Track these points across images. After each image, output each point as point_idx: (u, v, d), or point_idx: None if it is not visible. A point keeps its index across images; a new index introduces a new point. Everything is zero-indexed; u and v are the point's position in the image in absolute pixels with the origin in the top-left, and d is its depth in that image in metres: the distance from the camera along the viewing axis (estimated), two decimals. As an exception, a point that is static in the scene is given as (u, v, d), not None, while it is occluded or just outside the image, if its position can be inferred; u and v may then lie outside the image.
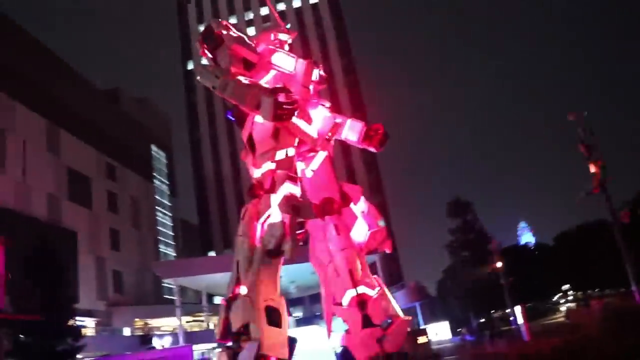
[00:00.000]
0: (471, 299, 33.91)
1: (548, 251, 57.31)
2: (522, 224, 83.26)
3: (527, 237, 79.04)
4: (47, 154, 53.81)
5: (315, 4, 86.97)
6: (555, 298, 57.38)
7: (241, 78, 18.37)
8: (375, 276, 18.00)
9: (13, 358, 22.29)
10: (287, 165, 17.94)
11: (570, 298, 58.39)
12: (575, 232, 53.70)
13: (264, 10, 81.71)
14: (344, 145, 19.73)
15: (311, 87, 19.50)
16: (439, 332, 42.36)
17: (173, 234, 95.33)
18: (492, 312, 36.54)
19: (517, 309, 35.18)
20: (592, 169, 23.56)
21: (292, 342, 16.42)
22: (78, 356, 26.74)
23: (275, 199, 16.49)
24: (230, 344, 15.93)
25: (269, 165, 17.85)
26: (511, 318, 34.96)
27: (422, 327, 39.04)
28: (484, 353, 18.54)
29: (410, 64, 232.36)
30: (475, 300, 33.41)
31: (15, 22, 53.24)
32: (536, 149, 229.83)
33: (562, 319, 41.20)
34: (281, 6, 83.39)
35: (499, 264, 33.30)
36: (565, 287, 57.15)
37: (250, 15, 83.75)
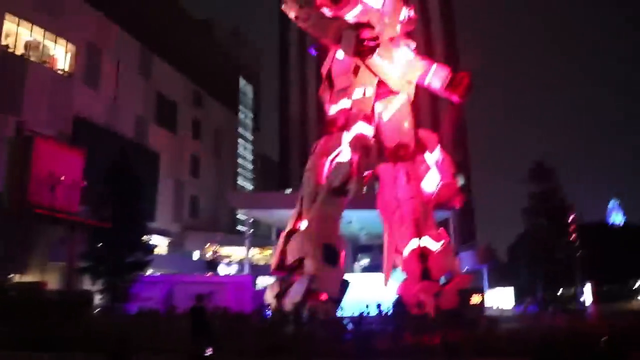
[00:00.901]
0: (541, 269, 32.56)
1: (636, 233, 53.88)
2: (614, 202, 78.43)
3: (617, 217, 74.62)
4: (138, 76, 55.20)
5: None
6: (638, 285, 54.09)
7: (325, 10, 17.91)
8: (441, 229, 17.54)
9: (85, 261, 23.57)
10: (364, 104, 17.56)
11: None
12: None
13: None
14: (430, 92, 18.94)
15: (398, 26, 18.79)
16: (502, 298, 41.34)
17: (252, 167, 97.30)
18: (561, 286, 35.08)
19: (588, 288, 33.57)
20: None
21: (345, 283, 16.42)
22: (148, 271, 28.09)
23: (347, 137, 16.24)
24: (283, 276, 16.15)
25: (345, 103, 17.54)
26: (581, 296, 33.53)
27: (479, 288, 38.06)
28: (540, 325, 18.02)
29: (513, 15, 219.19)
30: (545, 271, 32.04)
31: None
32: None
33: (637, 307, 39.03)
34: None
35: (575, 236, 31.70)
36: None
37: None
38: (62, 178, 20.34)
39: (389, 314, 14.15)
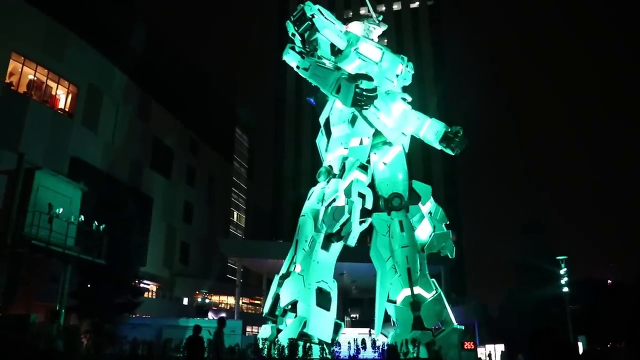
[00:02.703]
0: (531, 324, 32.44)
1: (627, 291, 53.85)
2: None
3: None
4: (137, 120, 56.10)
5: (415, 9, 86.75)
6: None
7: (326, 61, 18.51)
8: (433, 280, 17.63)
9: (73, 298, 23.40)
10: (360, 153, 17.94)
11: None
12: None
13: (363, 10, 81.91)
14: (424, 145, 19.41)
15: (395, 80, 19.37)
16: (493, 355, 41.02)
17: (245, 216, 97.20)
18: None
19: (580, 345, 33.50)
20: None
21: (337, 327, 16.40)
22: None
23: (343, 184, 16.52)
24: (276, 319, 16.12)
25: (342, 151, 17.93)
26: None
27: (471, 336, 37.47)
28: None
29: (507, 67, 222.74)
30: (536, 326, 31.94)
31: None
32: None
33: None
34: (381, 8, 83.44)
35: (565, 290, 31.89)
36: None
37: (349, 14, 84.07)
38: (60, 211, 20.46)
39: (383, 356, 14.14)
